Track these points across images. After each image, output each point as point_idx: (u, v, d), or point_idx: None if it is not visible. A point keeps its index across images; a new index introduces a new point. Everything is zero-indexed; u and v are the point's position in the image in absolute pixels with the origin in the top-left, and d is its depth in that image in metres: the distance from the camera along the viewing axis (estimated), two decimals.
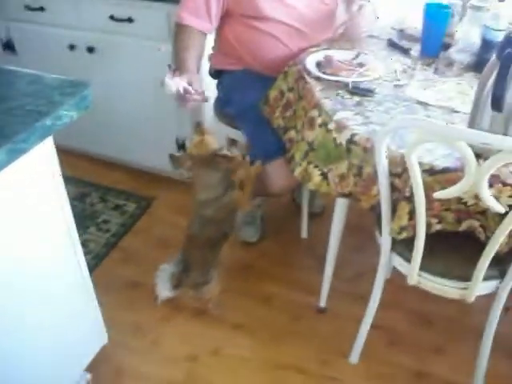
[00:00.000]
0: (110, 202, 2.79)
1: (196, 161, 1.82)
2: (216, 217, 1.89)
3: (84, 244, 1.81)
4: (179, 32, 2.03)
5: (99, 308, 1.86)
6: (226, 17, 2.10)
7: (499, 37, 1.77)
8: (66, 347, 1.72)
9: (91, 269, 1.89)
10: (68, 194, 1.57)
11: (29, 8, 2.64)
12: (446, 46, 2.01)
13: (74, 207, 1.62)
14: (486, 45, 1.85)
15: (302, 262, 2.45)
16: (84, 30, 2.60)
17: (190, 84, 1.83)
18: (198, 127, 1.85)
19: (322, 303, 2.18)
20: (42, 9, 2.62)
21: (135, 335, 2.11)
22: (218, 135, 2.21)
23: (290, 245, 2.54)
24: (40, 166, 1.43)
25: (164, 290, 1.99)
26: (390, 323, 2.12)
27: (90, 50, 2.60)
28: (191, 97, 1.82)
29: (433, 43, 2.02)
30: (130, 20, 2.44)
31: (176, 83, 1.80)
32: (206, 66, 2.32)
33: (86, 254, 1.76)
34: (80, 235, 1.69)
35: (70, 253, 1.66)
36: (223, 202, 1.87)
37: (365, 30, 2.05)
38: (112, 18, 2.47)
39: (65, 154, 1.65)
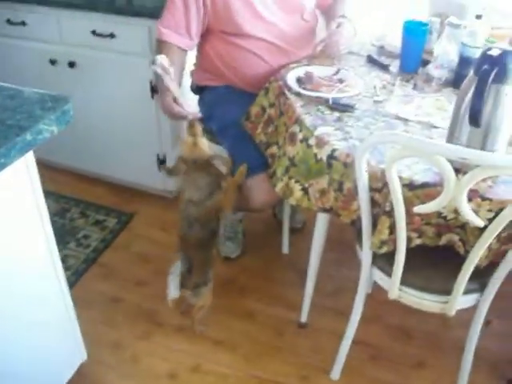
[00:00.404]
0: (90, 218, 2.77)
1: (189, 164, 1.82)
2: (201, 217, 1.88)
3: (64, 259, 1.80)
4: (159, 48, 2.04)
5: (78, 324, 1.84)
6: (206, 33, 2.12)
7: (476, 54, 1.80)
8: (44, 364, 1.70)
9: (71, 284, 1.88)
10: (48, 208, 1.56)
11: (10, 22, 2.63)
12: (425, 63, 2.04)
13: (54, 222, 1.61)
14: (464, 61, 1.88)
15: (284, 277, 2.45)
16: (65, 45, 2.59)
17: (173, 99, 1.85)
18: (192, 127, 1.82)
19: (303, 318, 2.18)
20: (23, 23, 2.61)
21: (115, 352, 2.09)
22: None
23: (272, 260, 2.54)
24: (20, 181, 1.42)
25: (174, 292, 1.95)
26: (371, 338, 2.13)
27: (72, 64, 2.59)
28: (176, 107, 1.85)
29: (412, 59, 2.05)
30: (111, 35, 2.45)
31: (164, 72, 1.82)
32: (187, 81, 2.34)
33: (65, 269, 1.75)
34: (60, 251, 1.67)
35: (50, 268, 1.64)
36: (209, 203, 1.86)
37: (343, 47, 2.06)
38: (94, 33, 2.47)
39: (46, 168, 1.65)
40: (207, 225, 1.92)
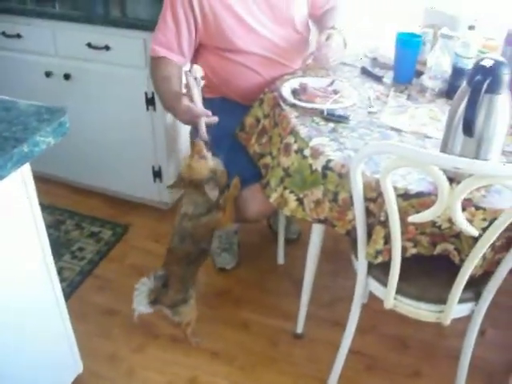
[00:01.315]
0: (85, 230, 2.77)
1: (186, 182, 1.84)
2: (196, 232, 1.90)
3: (59, 272, 1.79)
4: (156, 65, 2.08)
5: (74, 336, 1.84)
6: (199, 47, 2.14)
7: (469, 64, 1.82)
8: (39, 376, 1.69)
9: (66, 296, 1.88)
10: (43, 221, 1.56)
11: (5, 35, 2.64)
12: (419, 74, 2.06)
13: (48, 235, 1.61)
14: (457, 72, 1.90)
15: (279, 288, 2.45)
16: (61, 58, 2.60)
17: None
18: (193, 147, 1.85)
19: (299, 329, 2.18)
20: (18, 36, 2.62)
21: (111, 364, 2.08)
22: None
23: (267, 271, 2.54)
24: (17, 193, 1.42)
25: (141, 305, 1.96)
26: (367, 348, 2.13)
27: (67, 77, 2.60)
28: (192, 105, 1.87)
29: (405, 70, 2.07)
30: (106, 48, 2.46)
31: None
32: None
33: (60, 281, 1.74)
34: (55, 263, 1.67)
35: (46, 280, 1.64)
36: (205, 220, 1.88)
37: (333, 59, 2.02)
38: (89, 45, 2.48)
39: (40, 180, 1.65)
40: (199, 242, 1.93)
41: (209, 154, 1.85)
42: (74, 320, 1.83)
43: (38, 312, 1.64)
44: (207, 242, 1.97)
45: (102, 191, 2.96)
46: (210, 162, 1.84)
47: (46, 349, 1.71)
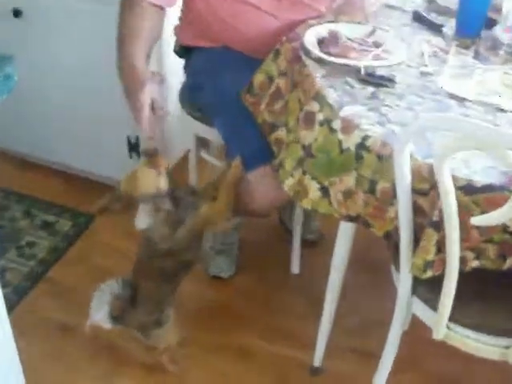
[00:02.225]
0: (36, 219, 2.77)
1: (122, 202, 1.86)
2: (173, 249, 1.88)
3: (1, 273, 1.78)
4: (127, 8, 1.98)
5: (18, 358, 1.82)
6: None
7: None
8: None
9: (11, 306, 1.86)
10: None
11: None
12: (491, 23, 2.03)
13: None
14: None
15: (292, 306, 2.45)
16: None
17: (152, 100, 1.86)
18: (153, 157, 1.84)
19: (317, 362, 2.18)
20: None
21: None
22: (186, 134, 2.20)
23: (277, 282, 2.55)
24: None
25: (98, 313, 1.95)
26: None
27: (16, 13, 2.60)
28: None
29: (473, 18, 2.03)
30: None
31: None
32: (170, 41, 2.32)
33: (3, 285, 1.73)
34: None
35: None
36: (183, 230, 1.85)
37: (371, 2, 2.01)
38: None
39: None
40: (181, 254, 1.91)
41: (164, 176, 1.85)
42: (19, 337, 1.81)
43: None
44: (193, 252, 1.95)
45: (61, 168, 2.98)
46: (162, 181, 1.82)
47: None
